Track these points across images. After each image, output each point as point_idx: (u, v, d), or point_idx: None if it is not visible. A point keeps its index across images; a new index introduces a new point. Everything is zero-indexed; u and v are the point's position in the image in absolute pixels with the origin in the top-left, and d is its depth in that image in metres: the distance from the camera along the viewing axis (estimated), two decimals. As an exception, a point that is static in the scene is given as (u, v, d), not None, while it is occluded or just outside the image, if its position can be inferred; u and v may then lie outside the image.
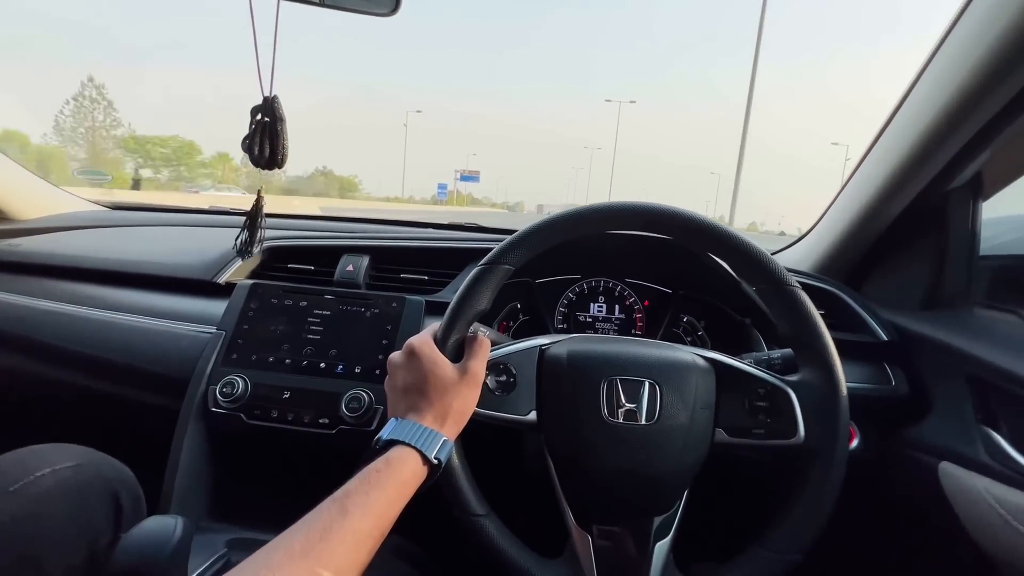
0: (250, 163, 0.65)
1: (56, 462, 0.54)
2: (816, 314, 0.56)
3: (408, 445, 0.48)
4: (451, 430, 0.52)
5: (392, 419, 0.51)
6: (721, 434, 0.57)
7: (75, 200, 1.24)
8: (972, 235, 0.78)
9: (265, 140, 0.62)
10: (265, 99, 0.63)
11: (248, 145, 0.63)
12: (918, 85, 0.73)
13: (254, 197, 0.75)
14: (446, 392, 0.51)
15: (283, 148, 0.63)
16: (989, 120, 0.66)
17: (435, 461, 0.49)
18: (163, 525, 0.52)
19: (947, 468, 0.67)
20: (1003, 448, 0.62)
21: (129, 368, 0.82)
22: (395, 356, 0.56)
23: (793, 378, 0.57)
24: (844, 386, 0.54)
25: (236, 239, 0.76)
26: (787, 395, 0.56)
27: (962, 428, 0.68)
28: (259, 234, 0.75)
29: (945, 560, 0.73)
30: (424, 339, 0.55)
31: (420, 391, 0.52)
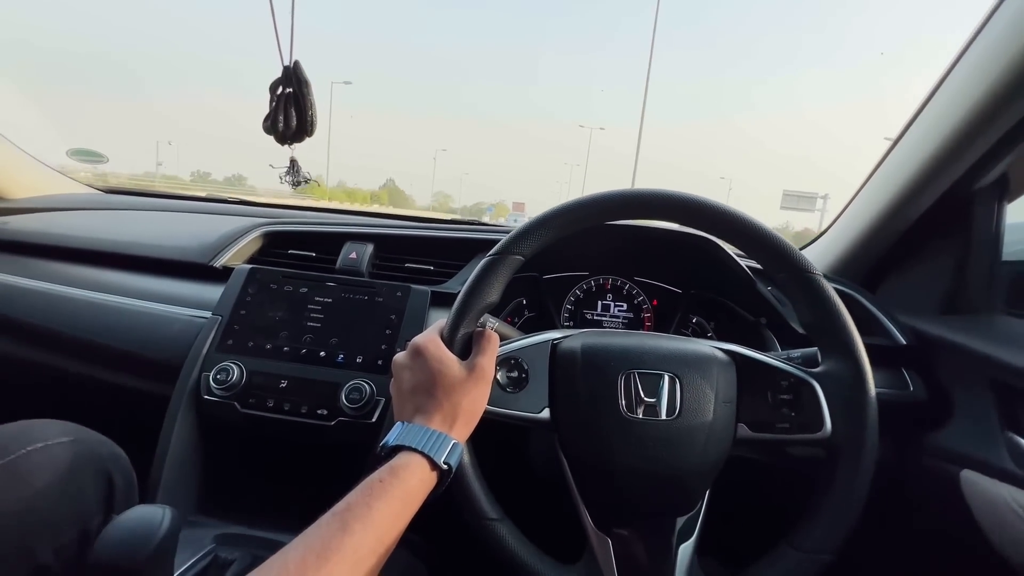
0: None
1: (48, 437, 0.52)
2: (840, 303, 0.54)
3: (415, 451, 0.45)
4: (461, 432, 0.49)
5: (398, 423, 0.48)
6: (744, 429, 0.54)
7: (69, 182, 1.21)
8: (995, 238, 0.76)
9: (291, 110, 0.59)
10: (286, 68, 0.60)
11: (271, 123, 0.60)
12: (946, 83, 0.71)
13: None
14: (454, 391, 0.48)
15: (311, 115, 0.60)
16: (1019, 120, 0.65)
17: (444, 466, 0.45)
18: (149, 515, 0.49)
19: (969, 476, 0.65)
20: None
21: (119, 352, 0.79)
22: (399, 357, 0.53)
23: (817, 369, 0.55)
24: (871, 376, 0.52)
25: (284, 173, 0.73)
26: (812, 387, 0.53)
27: (986, 435, 0.66)
28: (304, 173, 0.73)
29: (968, 570, 0.70)
30: (430, 336, 0.52)
31: (427, 391, 0.49)
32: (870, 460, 0.51)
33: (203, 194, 1.37)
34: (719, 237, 0.56)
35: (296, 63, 0.59)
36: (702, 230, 0.58)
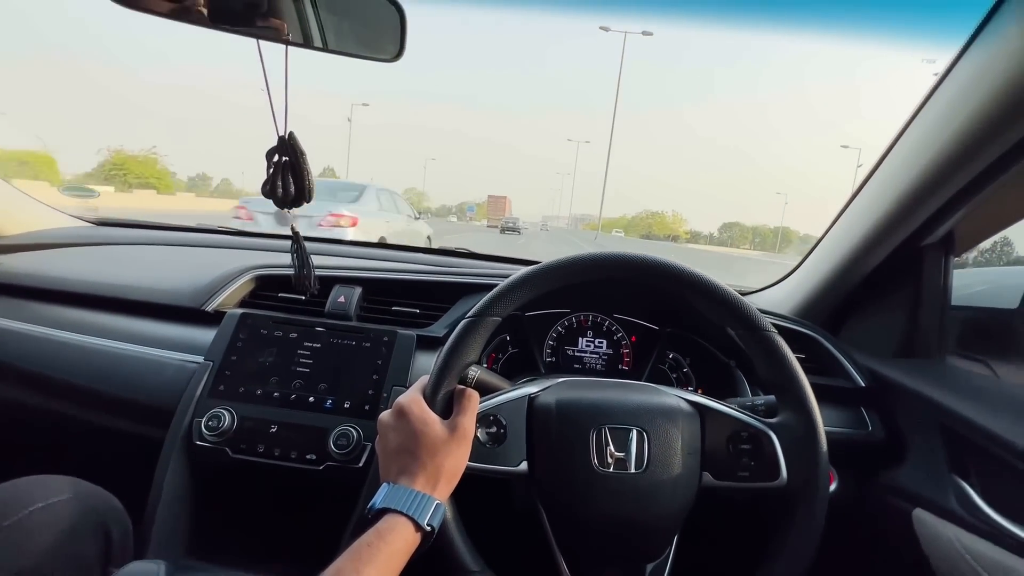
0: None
1: (48, 496, 0.54)
2: (793, 359, 0.58)
3: (400, 513, 0.47)
4: (443, 491, 0.52)
5: (384, 484, 0.51)
6: (708, 477, 0.58)
7: (59, 216, 1.22)
8: (944, 288, 0.81)
9: (288, 179, 0.63)
10: (281, 139, 0.63)
11: (270, 188, 0.64)
12: (898, 146, 0.77)
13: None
14: (437, 452, 0.51)
15: (309, 183, 0.64)
16: (965, 184, 0.70)
17: (428, 528, 0.48)
18: (145, 571, 0.52)
19: (921, 515, 0.69)
20: (973, 499, 0.64)
21: (112, 397, 0.81)
22: (385, 416, 0.56)
23: (773, 420, 0.59)
24: (822, 428, 0.56)
25: (293, 276, 0.78)
26: (769, 437, 0.58)
27: (935, 476, 0.70)
28: (310, 272, 0.77)
29: None
30: (413, 397, 0.55)
31: (411, 452, 0.51)
32: (822, 506, 0.55)
33: (194, 224, 1.39)
34: (683, 295, 0.60)
35: (292, 134, 0.63)
36: (668, 290, 0.62)
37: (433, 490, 0.50)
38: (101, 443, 0.86)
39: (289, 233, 0.77)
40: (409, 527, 0.47)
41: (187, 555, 0.76)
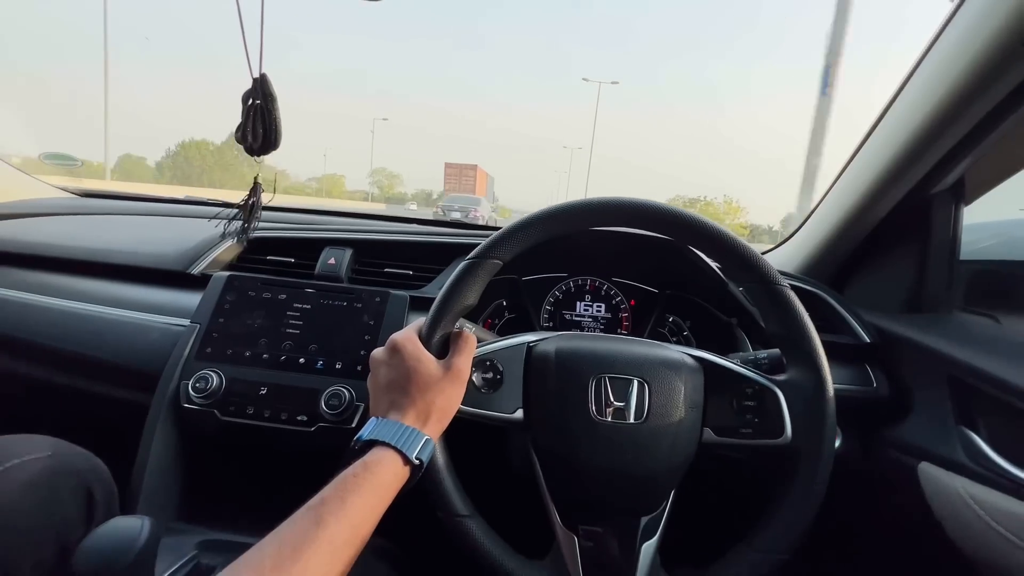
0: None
1: (26, 453, 0.52)
2: (805, 314, 0.56)
3: (388, 446, 0.46)
4: (434, 429, 0.50)
5: (373, 418, 0.50)
6: (709, 434, 0.56)
7: (42, 186, 1.19)
8: (953, 240, 0.79)
9: (258, 125, 0.60)
10: (254, 80, 0.60)
11: (241, 134, 0.61)
12: (904, 91, 0.74)
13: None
14: (429, 389, 0.50)
15: (276, 129, 0.60)
16: (973, 127, 0.67)
17: (416, 462, 0.47)
18: (128, 527, 0.49)
19: (926, 468, 0.68)
20: (981, 449, 0.63)
21: (96, 361, 0.79)
22: (377, 352, 0.54)
23: (781, 378, 0.57)
24: (831, 387, 0.54)
25: (226, 223, 0.72)
26: (775, 395, 0.56)
27: (942, 429, 0.69)
28: (254, 223, 0.72)
29: (924, 559, 0.74)
30: (408, 335, 0.54)
31: (402, 388, 0.50)
32: (826, 467, 0.53)
33: (181, 196, 1.36)
34: (691, 245, 0.58)
35: (263, 76, 0.59)
36: (675, 238, 0.59)
37: (423, 426, 0.49)
38: (87, 409, 0.84)
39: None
40: (397, 460, 0.46)
41: (177, 519, 0.74)
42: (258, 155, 0.61)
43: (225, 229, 0.72)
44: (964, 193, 0.78)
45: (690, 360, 0.58)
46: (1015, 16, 0.58)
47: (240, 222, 0.71)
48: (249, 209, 0.70)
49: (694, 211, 0.58)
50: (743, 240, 0.56)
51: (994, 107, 0.65)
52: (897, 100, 0.75)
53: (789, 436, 0.54)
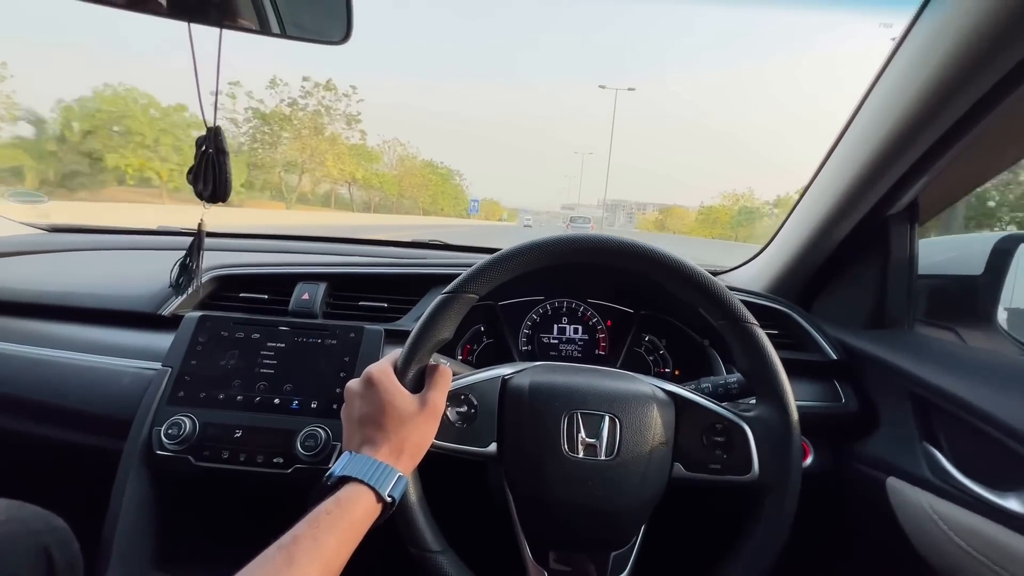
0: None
1: None
2: (772, 352, 0.57)
3: (361, 482, 0.46)
4: (406, 465, 0.50)
5: (346, 452, 0.50)
6: (679, 468, 0.57)
7: (7, 223, 1.16)
8: (910, 258, 0.82)
9: (209, 174, 0.60)
10: (209, 129, 0.60)
11: (193, 178, 0.61)
12: (857, 119, 0.77)
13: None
14: (403, 425, 0.50)
15: (227, 182, 0.61)
16: (924, 152, 0.70)
17: (389, 499, 0.47)
18: None
19: (894, 483, 0.70)
20: (943, 465, 0.65)
21: (66, 409, 0.77)
22: (353, 384, 0.54)
23: (749, 414, 0.58)
24: (797, 424, 0.55)
25: (171, 273, 0.72)
26: (743, 431, 0.57)
27: (907, 445, 0.71)
28: (198, 271, 0.72)
29: (895, 572, 0.76)
30: (383, 368, 0.54)
31: (376, 423, 0.50)
32: (792, 503, 0.55)
33: (153, 227, 1.34)
34: (663, 283, 0.59)
35: (218, 129, 0.60)
36: (647, 275, 0.60)
37: (396, 462, 0.49)
38: (56, 459, 0.82)
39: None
40: (370, 497, 0.46)
41: (153, 567, 0.73)
42: (209, 202, 0.61)
43: (171, 280, 0.72)
44: (918, 214, 0.81)
45: (661, 394, 0.59)
46: (960, 47, 0.60)
47: (178, 271, 0.71)
48: (189, 256, 0.70)
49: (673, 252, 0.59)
50: (711, 278, 0.57)
51: (943, 134, 0.68)
52: (851, 127, 0.78)
53: (757, 473, 0.55)
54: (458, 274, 0.58)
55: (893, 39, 0.68)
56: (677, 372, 0.96)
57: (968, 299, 0.83)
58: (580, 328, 1.01)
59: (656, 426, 0.57)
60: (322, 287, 0.89)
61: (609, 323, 1.01)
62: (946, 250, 0.89)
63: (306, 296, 0.88)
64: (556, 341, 1.01)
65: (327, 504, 0.44)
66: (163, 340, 0.80)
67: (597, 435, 0.56)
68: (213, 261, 0.94)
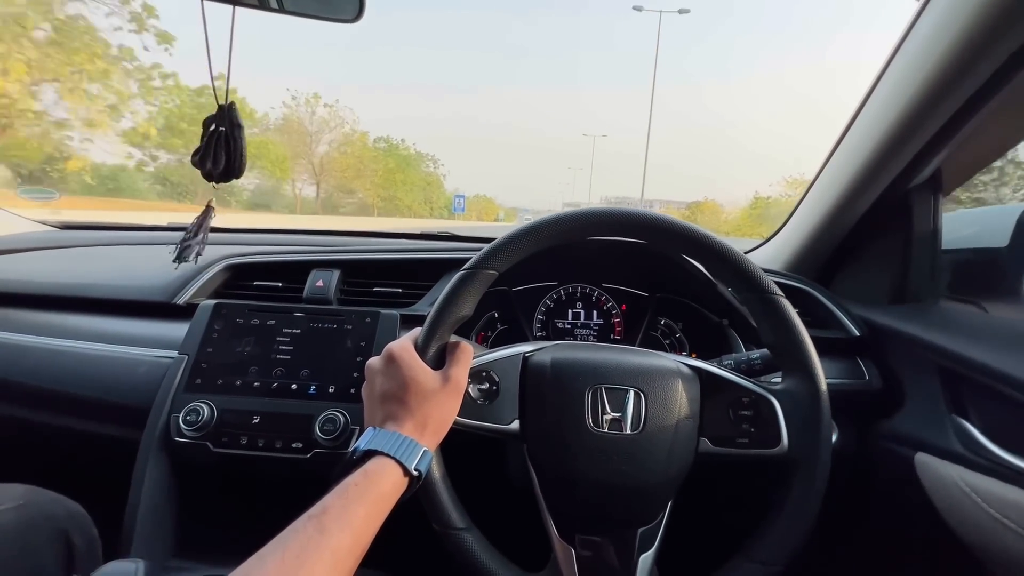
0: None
1: None
2: (800, 323, 0.56)
3: (387, 456, 0.46)
4: (431, 440, 0.50)
5: (369, 428, 0.49)
6: (705, 443, 0.56)
7: (20, 221, 1.17)
8: (934, 230, 0.80)
9: (220, 151, 0.59)
10: (221, 107, 0.60)
11: (200, 159, 0.60)
12: (877, 89, 0.75)
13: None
14: (426, 400, 0.50)
15: (241, 157, 0.60)
16: (947, 121, 0.69)
17: (415, 473, 0.47)
18: (122, 571, 0.49)
19: (923, 459, 0.69)
20: (975, 437, 0.64)
21: (84, 399, 0.77)
22: (373, 361, 0.54)
23: (777, 387, 0.57)
24: (827, 396, 0.54)
25: (177, 247, 0.71)
26: (771, 404, 0.55)
27: (935, 419, 0.69)
28: (201, 245, 0.71)
29: (926, 550, 0.74)
30: (404, 344, 0.53)
31: (399, 399, 0.50)
32: (823, 477, 0.53)
33: (164, 223, 1.35)
34: (686, 255, 0.58)
35: (232, 105, 0.59)
36: (670, 249, 0.59)
37: (420, 437, 0.48)
38: (75, 448, 0.82)
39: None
40: (396, 470, 0.46)
41: (173, 555, 0.73)
42: (217, 181, 0.60)
43: (173, 251, 0.71)
44: (941, 185, 0.79)
45: (686, 369, 0.58)
46: (982, 13, 0.59)
47: (190, 244, 0.70)
48: (196, 231, 0.69)
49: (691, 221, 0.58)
50: (737, 250, 0.56)
51: (965, 102, 0.66)
52: (871, 98, 0.76)
53: (786, 446, 0.54)
54: (470, 258, 0.57)
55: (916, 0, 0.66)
56: (694, 355, 0.95)
57: (993, 272, 0.82)
58: (595, 313, 1.01)
59: (681, 400, 0.56)
60: (336, 274, 0.89)
61: (624, 307, 1.00)
62: (969, 223, 0.87)
63: (320, 283, 0.87)
64: (571, 326, 1.00)
65: (355, 476, 0.44)
66: (179, 329, 0.80)
67: (622, 409, 0.55)
68: (225, 252, 0.94)
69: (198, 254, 0.71)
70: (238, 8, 0.57)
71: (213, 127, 0.60)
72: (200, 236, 0.69)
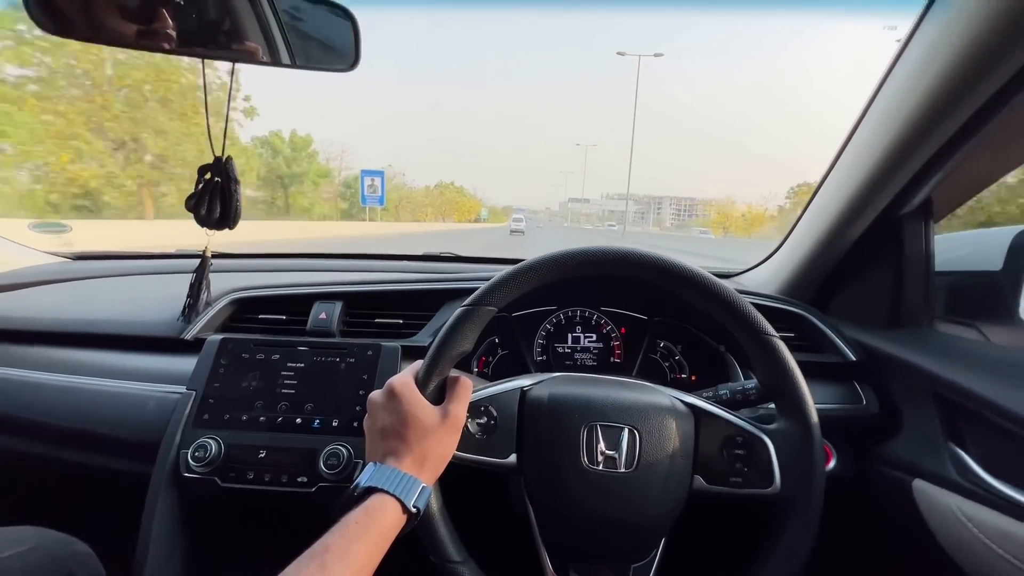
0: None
1: (7, 548, 0.52)
2: (795, 366, 0.56)
3: (387, 493, 0.47)
4: (429, 476, 0.51)
5: (370, 464, 0.51)
6: (699, 481, 0.57)
7: (34, 253, 1.20)
8: (927, 255, 0.81)
9: (215, 201, 0.61)
10: (217, 159, 0.62)
11: (194, 205, 0.62)
12: (868, 116, 0.76)
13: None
14: (426, 436, 0.51)
15: (236, 210, 0.62)
16: (937, 149, 0.69)
17: (414, 510, 0.48)
18: None
19: (920, 486, 0.69)
20: (971, 467, 0.64)
21: (94, 435, 0.79)
22: (375, 396, 0.55)
23: (770, 427, 0.58)
24: (820, 439, 0.55)
25: (183, 311, 0.74)
26: (764, 444, 0.56)
27: (932, 446, 0.70)
28: (203, 298, 0.73)
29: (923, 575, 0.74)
30: (405, 380, 0.54)
31: (399, 435, 0.51)
32: (815, 517, 0.54)
33: (172, 250, 1.37)
34: (681, 294, 0.59)
35: (229, 158, 0.61)
36: (669, 288, 0.60)
37: (419, 473, 0.50)
38: (82, 484, 0.84)
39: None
40: (396, 507, 0.47)
41: (183, 590, 0.74)
42: (214, 228, 0.62)
43: (182, 315, 0.73)
44: (932, 211, 0.80)
45: (681, 406, 0.59)
46: (970, 45, 0.60)
47: (194, 306, 0.72)
48: (196, 287, 0.71)
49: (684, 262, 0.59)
50: (734, 292, 0.57)
51: (955, 132, 0.67)
52: (860, 126, 0.77)
53: (779, 486, 0.55)
54: (470, 288, 0.59)
55: (898, 40, 0.67)
56: (693, 378, 0.96)
57: (988, 295, 0.82)
58: (594, 336, 1.02)
59: (675, 438, 0.57)
60: (338, 306, 0.90)
61: (623, 330, 1.01)
62: (962, 246, 0.87)
63: (323, 315, 0.89)
64: (571, 350, 1.01)
65: (355, 514, 0.45)
66: (186, 363, 0.82)
67: (616, 447, 0.56)
68: (229, 283, 0.96)
69: (201, 306, 0.74)
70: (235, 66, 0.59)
71: (208, 176, 0.62)
72: (202, 296, 0.72)
